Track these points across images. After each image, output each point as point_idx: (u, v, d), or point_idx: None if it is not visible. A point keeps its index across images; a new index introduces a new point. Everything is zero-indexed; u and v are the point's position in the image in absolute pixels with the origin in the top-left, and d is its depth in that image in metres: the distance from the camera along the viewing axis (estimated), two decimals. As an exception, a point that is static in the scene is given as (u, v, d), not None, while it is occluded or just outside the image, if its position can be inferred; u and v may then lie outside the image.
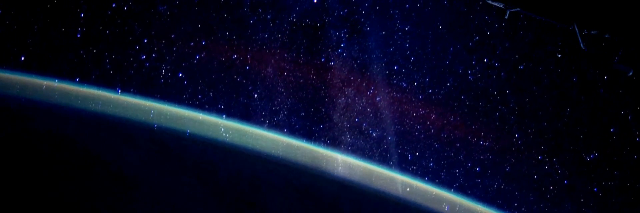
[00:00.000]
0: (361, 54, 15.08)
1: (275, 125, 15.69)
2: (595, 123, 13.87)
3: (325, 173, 15.84)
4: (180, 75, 15.15)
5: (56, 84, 14.35)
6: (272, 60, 15.43)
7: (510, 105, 14.62)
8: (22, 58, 14.12)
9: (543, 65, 13.60)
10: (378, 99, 15.71)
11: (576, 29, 7.37)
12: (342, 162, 16.05)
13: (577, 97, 13.87)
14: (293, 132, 15.81)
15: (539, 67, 13.69)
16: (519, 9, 7.61)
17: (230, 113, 15.59)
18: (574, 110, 14.05)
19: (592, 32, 7.39)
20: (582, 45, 7.41)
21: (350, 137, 15.95)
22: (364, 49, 15.01)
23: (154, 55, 15.00)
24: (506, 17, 7.75)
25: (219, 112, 15.53)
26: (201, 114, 15.26)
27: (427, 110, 15.54)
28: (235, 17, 14.99)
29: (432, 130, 15.78)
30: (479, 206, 15.66)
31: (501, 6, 7.68)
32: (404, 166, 16.03)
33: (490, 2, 7.71)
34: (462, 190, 15.95)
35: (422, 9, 13.94)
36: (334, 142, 15.95)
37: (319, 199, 15.39)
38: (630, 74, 7.66)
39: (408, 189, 15.93)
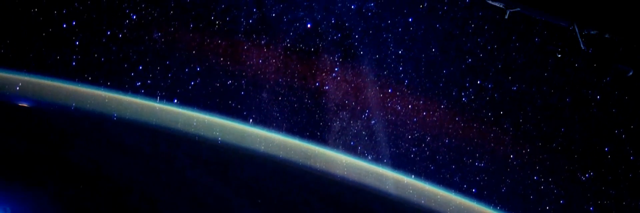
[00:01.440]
0: (355, 77, 15.21)
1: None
2: (590, 143, 13.99)
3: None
4: (175, 100, 15.21)
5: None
6: (267, 85, 15.53)
7: (504, 126, 14.76)
8: (18, 87, 14.16)
9: (536, 85, 13.75)
10: (373, 122, 15.80)
11: (576, 29, 7.37)
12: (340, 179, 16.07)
13: (571, 116, 14.03)
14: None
15: (532, 87, 13.87)
16: (519, 9, 7.60)
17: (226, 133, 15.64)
18: (568, 130, 14.19)
19: (592, 32, 7.40)
20: (582, 45, 7.41)
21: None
22: (358, 72, 15.15)
23: (149, 81, 15.06)
24: (506, 17, 7.73)
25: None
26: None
27: (422, 133, 15.64)
28: (230, 43, 15.11)
29: (428, 152, 15.86)
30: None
31: (501, 6, 7.67)
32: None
33: (490, 2, 7.70)
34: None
35: (415, 32, 14.14)
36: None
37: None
38: (630, 74, 7.64)
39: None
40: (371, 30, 14.52)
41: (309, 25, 14.78)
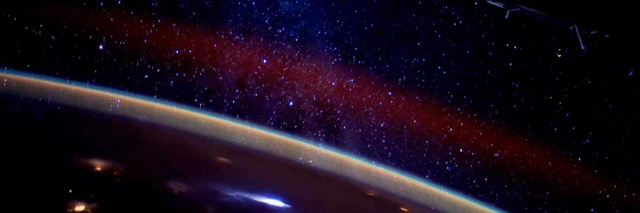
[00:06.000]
0: (340, 152, 15.42)
1: None
2: (576, 203, 14.24)
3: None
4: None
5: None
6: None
7: (490, 192, 15.01)
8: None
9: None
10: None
11: (576, 29, 7.51)
12: None
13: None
14: None
15: (514, 154, 14.28)
16: (519, 9, 7.78)
17: None
18: (552, 197, 14.46)
19: (592, 32, 7.64)
20: (582, 45, 7.53)
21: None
22: (343, 147, 15.38)
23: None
24: (506, 17, 7.81)
25: None
26: None
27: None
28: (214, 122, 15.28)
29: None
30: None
31: (501, 6, 7.79)
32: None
33: (490, 2, 7.81)
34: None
35: (396, 105, 14.62)
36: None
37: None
38: (631, 74, 7.74)
39: None
40: (353, 104, 14.96)
41: (291, 103, 15.14)
